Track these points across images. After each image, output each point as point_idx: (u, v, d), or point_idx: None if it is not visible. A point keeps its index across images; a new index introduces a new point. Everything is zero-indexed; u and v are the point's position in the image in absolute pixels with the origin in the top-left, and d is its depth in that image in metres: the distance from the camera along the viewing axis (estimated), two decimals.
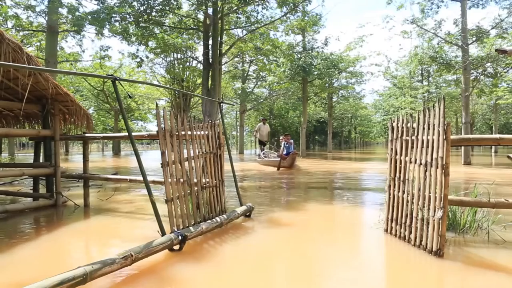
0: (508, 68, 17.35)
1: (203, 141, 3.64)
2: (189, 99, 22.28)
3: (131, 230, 3.63)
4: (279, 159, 11.40)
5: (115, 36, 12.30)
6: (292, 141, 12.13)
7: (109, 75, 2.82)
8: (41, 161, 5.25)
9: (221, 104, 4.64)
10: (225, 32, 14.30)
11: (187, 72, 20.77)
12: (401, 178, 3.07)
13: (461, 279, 2.33)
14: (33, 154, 5.53)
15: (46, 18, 12.36)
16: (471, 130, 16.61)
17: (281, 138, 12.78)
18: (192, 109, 24.37)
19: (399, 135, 3.14)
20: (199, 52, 18.52)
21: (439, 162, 2.61)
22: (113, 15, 11.16)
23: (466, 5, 12.58)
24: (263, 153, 14.17)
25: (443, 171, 2.58)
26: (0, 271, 2.47)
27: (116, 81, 2.81)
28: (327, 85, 25.12)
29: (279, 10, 13.57)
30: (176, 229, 2.92)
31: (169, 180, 3.04)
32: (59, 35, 13.69)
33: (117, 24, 11.83)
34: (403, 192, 3.03)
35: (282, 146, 12.00)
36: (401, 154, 3.10)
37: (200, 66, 15.77)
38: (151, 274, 2.33)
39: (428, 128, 2.78)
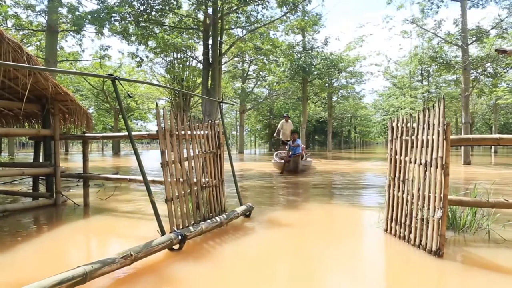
0: (508, 68, 17.36)
1: (203, 140, 3.64)
2: (189, 98, 22.28)
3: (131, 230, 3.63)
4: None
5: (115, 36, 12.31)
6: (299, 142, 10.08)
7: (109, 74, 2.82)
8: (41, 160, 5.24)
9: (221, 103, 4.64)
10: (225, 31, 14.29)
11: (187, 72, 20.77)
12: (401, 178, 3.07)
13: (460, 279, 2.33)
14: (32, 153, 5.53)
15: (46, 17, 12.36)
16: (470, 130, 16.60)
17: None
18: (192, 108, 24.37)
19: (399, 135, 3.14)
20: (199, 52, 18.55)
21: (439, 162, 2.61)
22: (113, 14, 11.16)
23: (466, 5, 12.58)
24: (276, 154, 12.43)
25: (443, 171, 2.58)
26: (0, 271, 2.47)
27: (116, 81, 2.81)
28: (327, 84, 25.15)
29: (279, 10, 13.58)
30: (175, 229, 2.92)
31: (169, 179, 3.04)
32: (59, 34, 13.68)
33: (117, 23, 11.83)
34: (403, 192, 3.03)
35: (288, 146, 10.36)
36: (401, 154, 3.10)
37: (200, 66, 15.77)
38: (151, 274, 2.33)
39: (428, 128, 2.78)
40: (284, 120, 12.35)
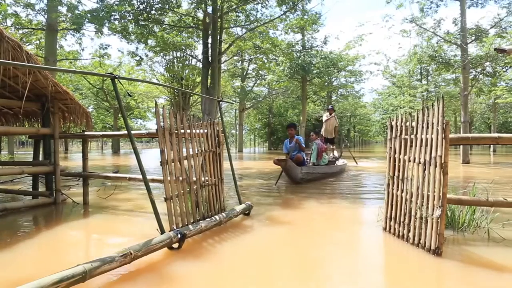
0: (507, 67, 17.39)
1: (202, 139, 3.65)
2: (188, 97, 22.26)
3: (130, 228, 3.64)
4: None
5: (115, 35, 12.29)
6: (301, 139, 7.51)
7: (108, 73, 2.82)
8: (40, 159, 5.25)
9: (221, 102, 4.64)
10: (224, 30, 14.28)
11: (187, 71, 20.76)
12: (400, 177, 3.07)
13: (459, 277, 2.34)
14: (32, 152, 5.53)
15: (46, 16, 12.33)
16: (469, 129, 16.63)
17: (311, 134, 8.36)
18: (191, 107, 24.35)
19: (398, 134, 3.15)
20: (199, 51, 18.53)
21: (438, 160, 2.62)
22: (113, 13, 11.14)
23: (466, 4, 12.58)
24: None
25: (442, 169, 2.59)
26: (0, 269, 2.47)
27: (116, 80, 2.81)
28: (326, 83, 25.15)
29: (279, 9, 13.58)
30: (175, 227, 2.92)
31: (169, 178, 3.05)
32: (59, 33, 13.65)
33: (116, 22, 11.81)
34: (402, 190, 3.04)
35: (284, 147, 7.75)
36: (400, 153, 3.11)
37: (200, 65, 15.77)
38: (150, 272, 2.34)
39: (427, 127, 2.79)
40: (327, 112, 9.93)
